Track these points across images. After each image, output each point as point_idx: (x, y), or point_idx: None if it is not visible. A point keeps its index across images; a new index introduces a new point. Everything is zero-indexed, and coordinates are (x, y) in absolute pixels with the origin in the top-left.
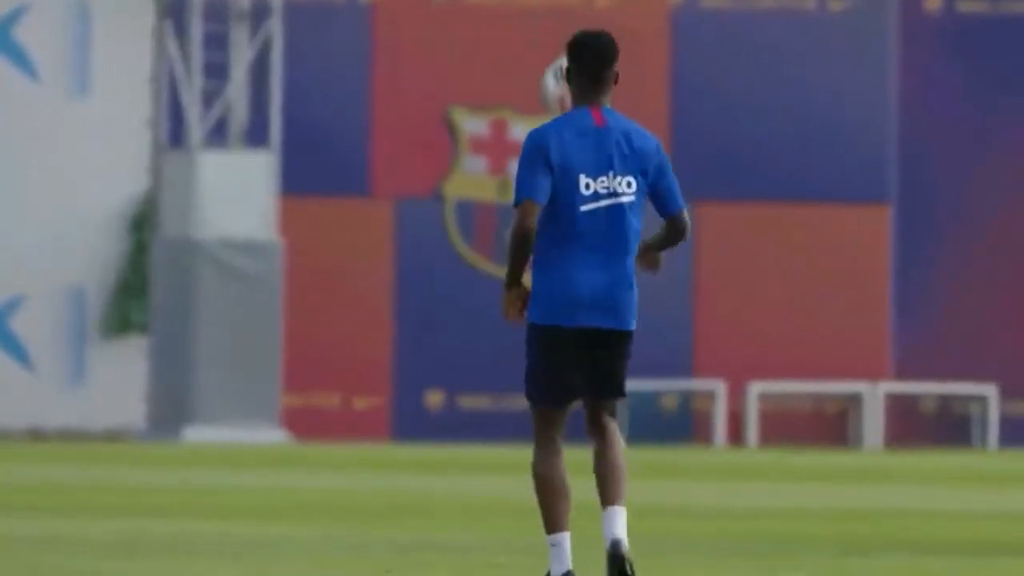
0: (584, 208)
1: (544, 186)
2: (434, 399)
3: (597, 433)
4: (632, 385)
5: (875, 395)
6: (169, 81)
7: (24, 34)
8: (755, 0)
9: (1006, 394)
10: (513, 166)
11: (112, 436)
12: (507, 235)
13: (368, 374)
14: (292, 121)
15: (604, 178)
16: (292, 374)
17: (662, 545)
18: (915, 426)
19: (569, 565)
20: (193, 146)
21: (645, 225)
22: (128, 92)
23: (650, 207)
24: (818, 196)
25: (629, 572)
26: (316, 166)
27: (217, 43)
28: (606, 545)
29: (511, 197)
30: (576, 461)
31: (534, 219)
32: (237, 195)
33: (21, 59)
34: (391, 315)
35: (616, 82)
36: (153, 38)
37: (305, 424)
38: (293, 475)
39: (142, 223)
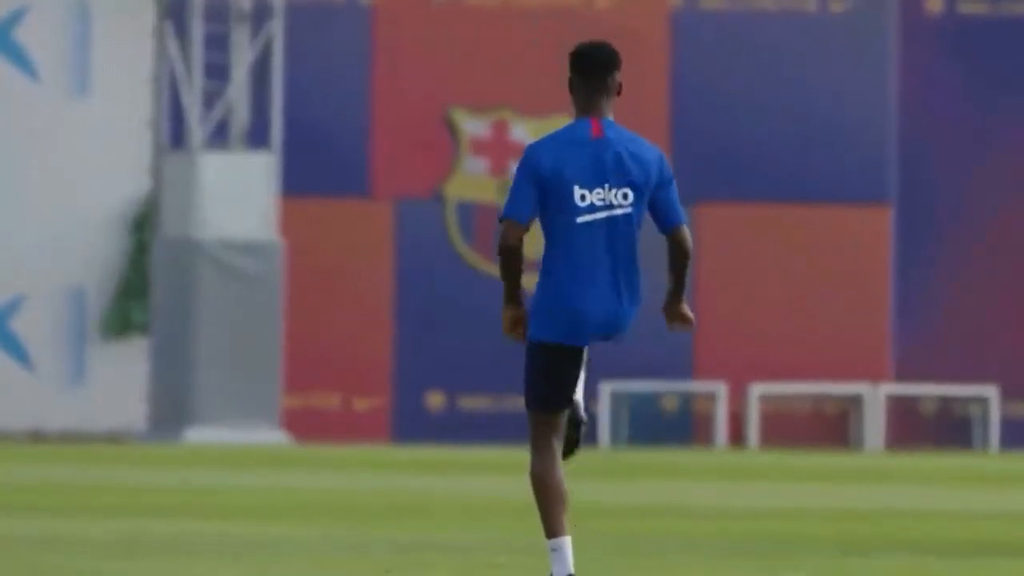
0: (581, 220)
1: (528, 207)
2: (434, 400)
3: None
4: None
5: (876, 396)
6: (170, 82)
7: (24, 34)
8: (755, 1)
9: (1007, 395)
10: (513, 167)
11: (113, 437)
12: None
13: (368, 375)
14: (293, 122)
15: (600, 190)
16: (292, 375)
17: (662, 545)
18: (916, 428)
19: (571, 569)
20: (194, 147)
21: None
22: (128, 93)
23: (649, 222)
24: (818, 196)
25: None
26: (317, 167)
27: (218, 44)
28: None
29: None
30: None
31: (516, 238)
32: (237, 196)
33: (21, 59)
34: (391, 316)
35: (619, 93)
36: (154, 38)
37: (305, 425)
38: (293, 475)
39: (143, 224)
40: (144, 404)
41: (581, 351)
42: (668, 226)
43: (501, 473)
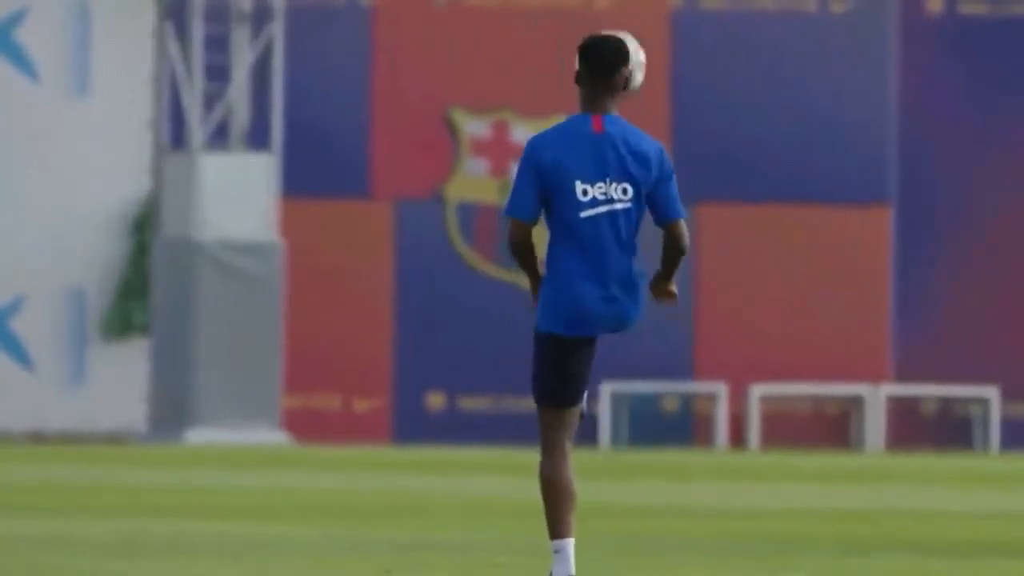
0: (584, 214)
1: (530, 203)
2: (435, 401)
3: None
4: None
5: (876, 397)
6: (170, 82)
7: (24, 35)
8: (755, 1)
9: (1007, 396)
10: (514, 168)
11: (113, 437)
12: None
13: (368, 376)
14: (293, 123)
15: (601, 184)
16: (292, 376)
17: (662, 545)
18: (916, 428)
19: (572, 571)
20: (194, 147)
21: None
22: (129, 93)
23: (649, 218)
24: (818, 197)
25: None
26: (317, 168)
27: (218, 44)
28: None
29: None
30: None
31: (521, 235)
32: (238, 196)
33: (21, 60)
34: (392, 317)
35: (626, 88)
36: (154, 39)
37: (305, 426)
38: (293, 475)
39: (143, 224)
40: (144, 404)
41: (589, 344)
42: (665, 220)
43: (501, 473)
